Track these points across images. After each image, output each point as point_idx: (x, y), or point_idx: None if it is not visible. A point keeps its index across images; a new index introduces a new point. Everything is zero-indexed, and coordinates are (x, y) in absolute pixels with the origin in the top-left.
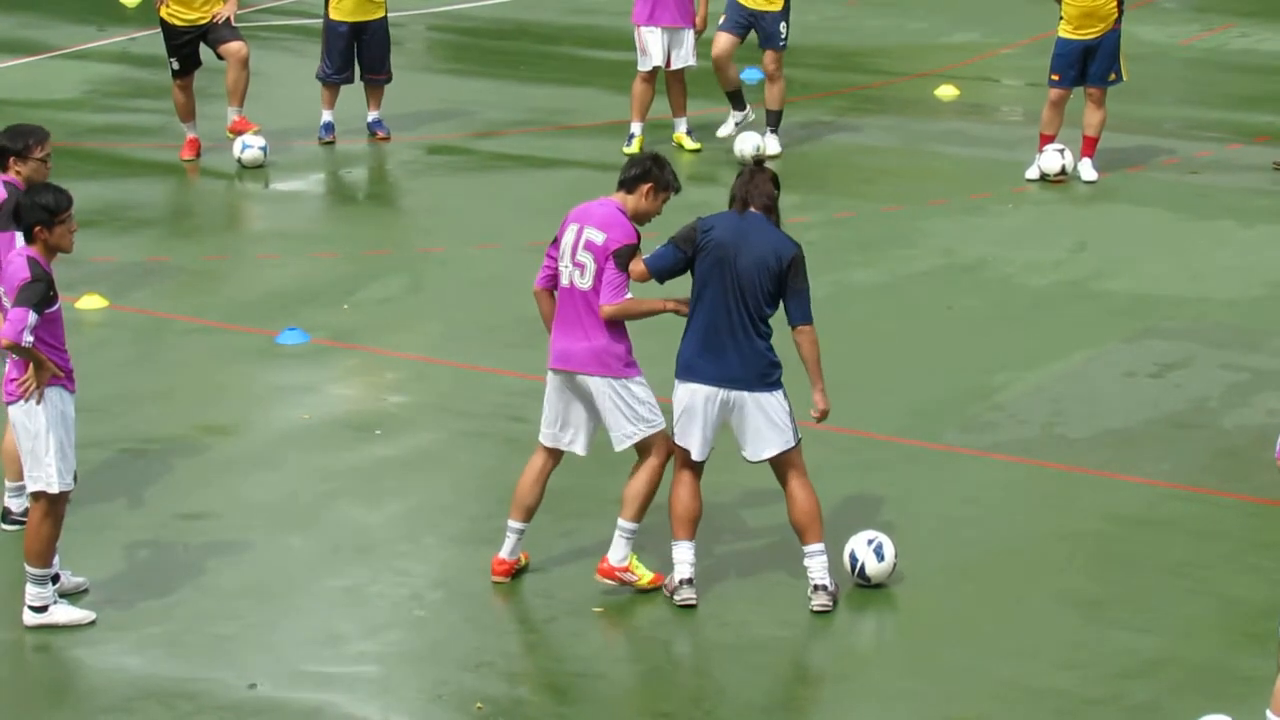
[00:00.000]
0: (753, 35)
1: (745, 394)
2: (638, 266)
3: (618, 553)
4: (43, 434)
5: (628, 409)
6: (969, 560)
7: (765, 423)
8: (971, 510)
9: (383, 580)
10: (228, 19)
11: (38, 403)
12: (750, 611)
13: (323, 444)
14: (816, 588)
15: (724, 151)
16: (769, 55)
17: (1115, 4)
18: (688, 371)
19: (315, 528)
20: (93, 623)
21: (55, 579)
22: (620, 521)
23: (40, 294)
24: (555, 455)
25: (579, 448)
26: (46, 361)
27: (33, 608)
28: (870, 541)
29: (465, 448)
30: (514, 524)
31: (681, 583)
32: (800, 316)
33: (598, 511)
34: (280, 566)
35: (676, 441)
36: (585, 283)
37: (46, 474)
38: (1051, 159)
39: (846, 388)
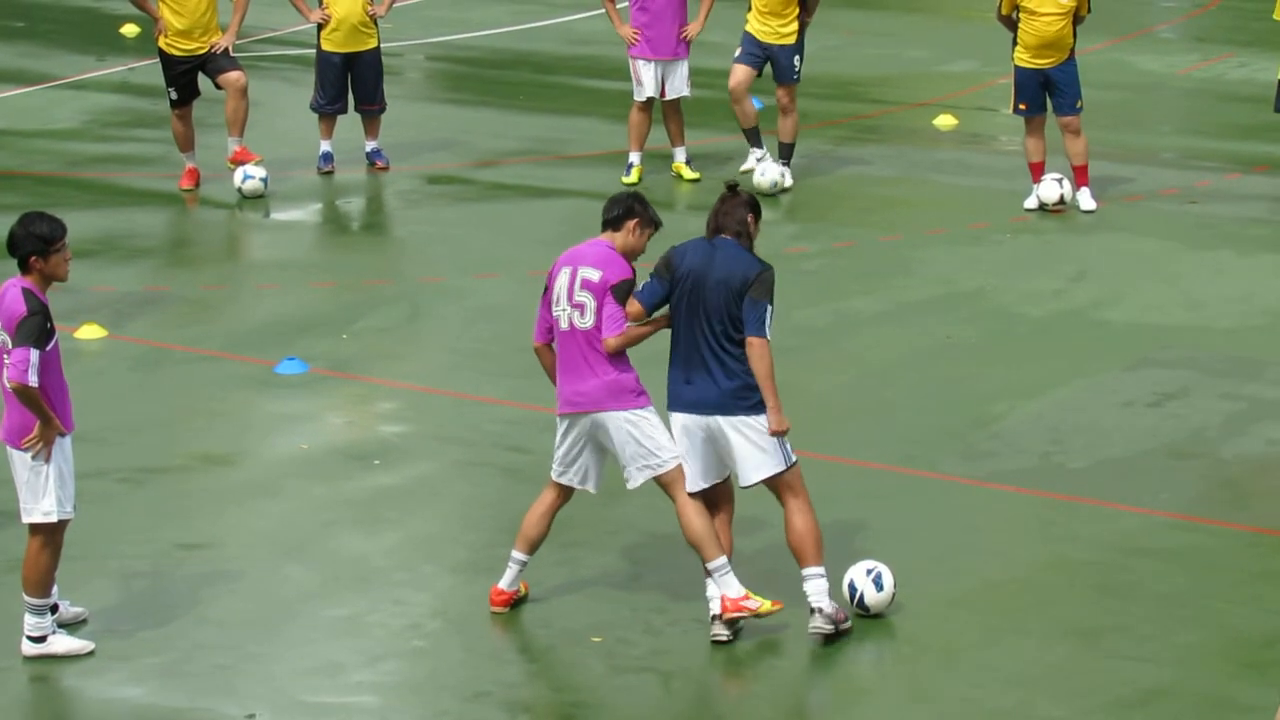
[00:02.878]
0: (768, 68)
1: (723, 419)
2: (634, 306)
3: (732, 588)
4: (42, 464)
5: (645, 439)
6: (968, 590)
7: (750, 447)
8: (970, 539)
9: (381, 610)
10: (226, 49)
11: (45, 460)
12: (749, 641)
13: (321, 473)
14: (814, 610)
15: (723, 181)
16: (781, 90)
17: (1072, 34)
18: (674, 401)
19: (314, 557)
20: (91, 653)
21: (54, 609)
22: (708, 566)
23: (39, 328)
24: (566, 492)
25: (591, 486)
26: (53, 418)
27: (31, 638)
28: (869, 571)
29: (464, 477)
30: (517, 555)
31: (714, 618)
32: (753, 328)
33: (597, 541)
34: (279, 596)
35: (686, 471)
36: (587, 322)
37: (47, 503)
38: (1050, 188)
39: (845, 417)
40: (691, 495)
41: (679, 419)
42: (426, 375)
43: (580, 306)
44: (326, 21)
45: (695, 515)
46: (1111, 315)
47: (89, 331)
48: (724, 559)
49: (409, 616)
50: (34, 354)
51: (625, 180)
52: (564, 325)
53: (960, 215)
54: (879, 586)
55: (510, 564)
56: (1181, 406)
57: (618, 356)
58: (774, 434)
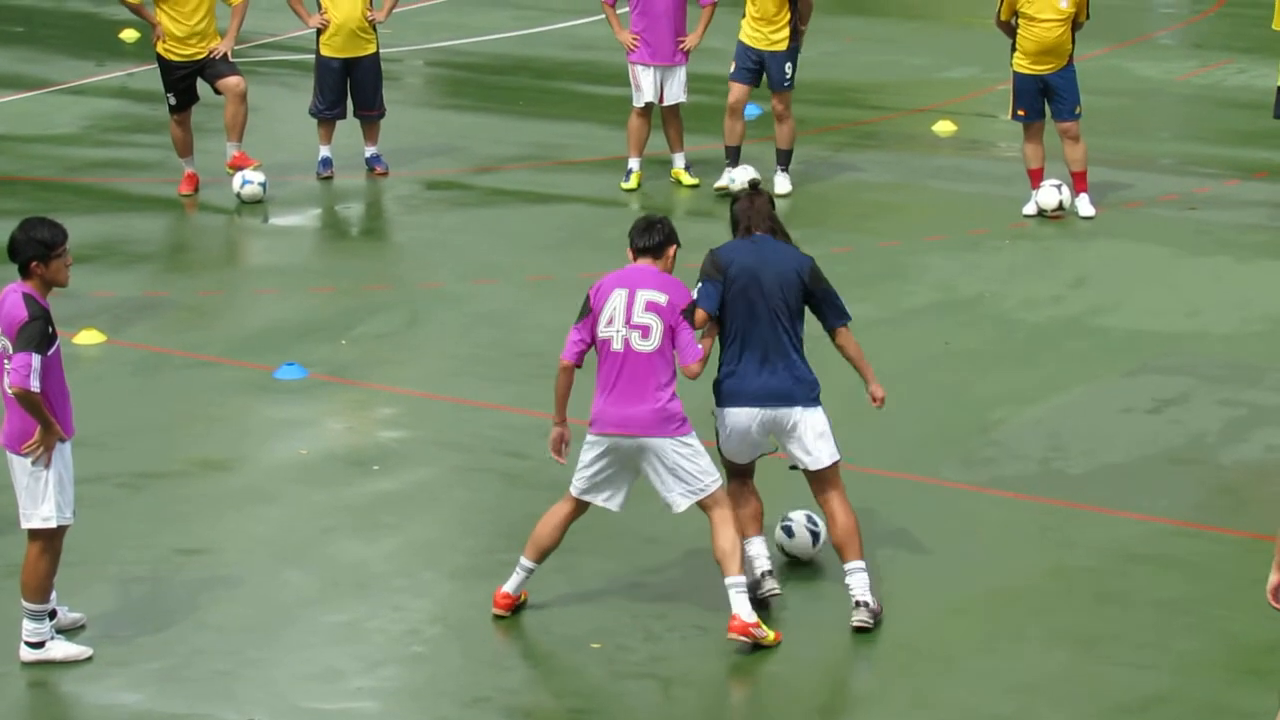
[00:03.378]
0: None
1: (797, 409)
2: (701, 314)
3: (745, 610)
4: (42, 470)
5: (694, 466)
6: (967, 596)
7: (816, 436)
8: (969, 546)
9: (380, 615)
10: (225, 54)
11: (46, 466)
12: (750, 648)
13: (321, 479)
14: (858, 604)
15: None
16: (775, 98)
17: (1071, 40)
18: (736, 396)
19: (313, 563)
20: (90, 658)
21: (52, 615)
22: (727, 581)
23: (40, 333)
24: (583, 507)
25: (615, 505)
26: (54, 424)
27: (29, 643)
28: (808, 518)
29: (463, 483)
30: (526, 562)
31: (763, 575)
32: (838, 317)
33: (596, 547)
34: (278, 601)
35: (727, 458)
36: (649, 345)
37: (46, 508)
38: (1049, 195)
39: (844, 422)
40: (742, 475)
41: (741, 413)
42: (425, 381)
43: (643, 329)
44: (325, 26)
45: (730, 532)
46: (1111, 321)
47: (88, 337)
48: (742, 578)
49: (408, 622)
50: (36, 359)
51: (624, 186)
52: (617, 346)
53: (959, 221)
54: (790, 534)
55: (518, 569)
56: (1181, 413)
57: (670, 383)
58: (882, 401)
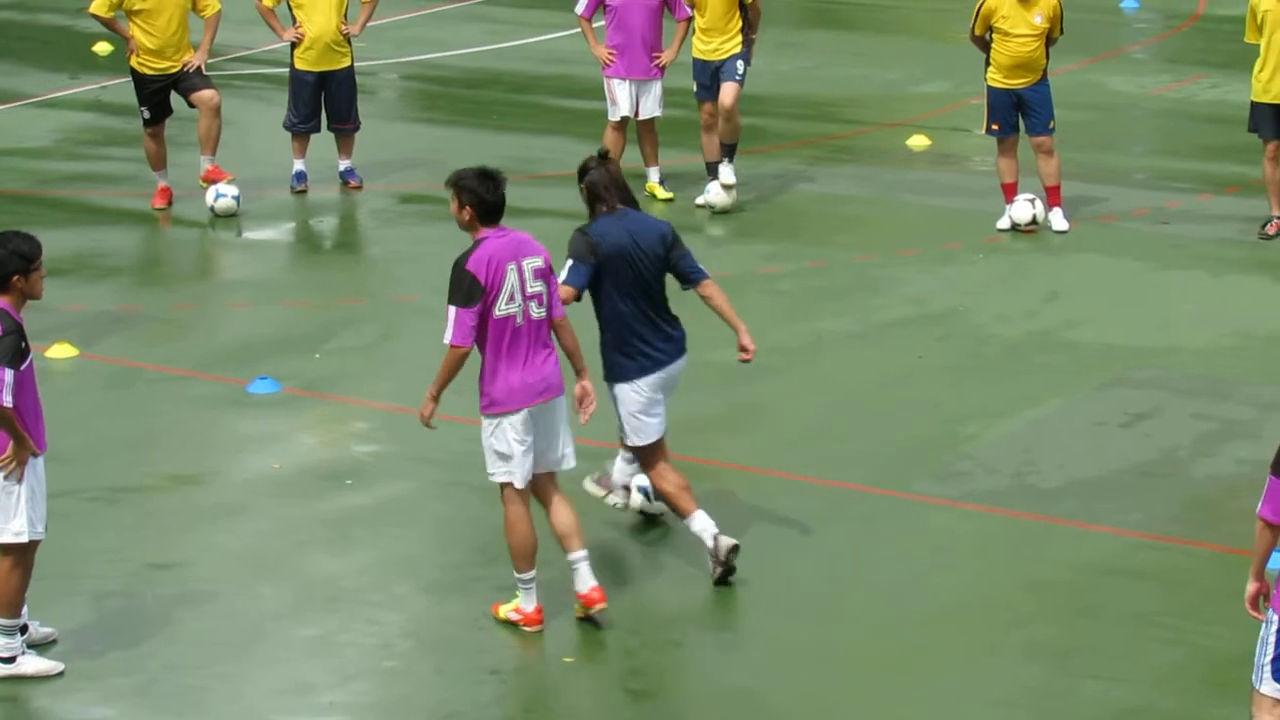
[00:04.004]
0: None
1: (684, 359)
2: (567, 291)
3: (589, 581)
4: (14, 484)
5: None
6: (939, 610)
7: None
8: (942, 559)
9: (353, 630)
10: (199, 67)
11: (18, 481)
12: (722, 660)
13: (293, 493)
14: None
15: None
16: (726, 88)
17: (1045, 55)
18: (646, 367)
19: (285, 577)
20: (61, 673)
21: (24, 629)
22: (572, 556)
23: (14, 347)
24: (529, 492)
25: (569, 461)
26: (27, 439)
27: (0, 658)
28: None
29: (436, 497)
30: (529, 574)
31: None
32: (699, 272)
33: (567, 561)
34: (250, 616)
35: (639, 442)
36: (543, 311)
37: (18, 523)
38: (1022, 209)
39: (817, 436)
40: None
41: (650, 380)
42: (399, 395)
43: (536, 297)
44: (300, 40)
45: (570, 510)
46: (1083, 336)
47: (60, 350)
48: (585, 551)
49: (381, 636)
50: (9, 374)
51: None
52: (519, 321)
53: (933, 235)
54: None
55: (528, 586)
56: (1153, 427)
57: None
58: (751, 354)
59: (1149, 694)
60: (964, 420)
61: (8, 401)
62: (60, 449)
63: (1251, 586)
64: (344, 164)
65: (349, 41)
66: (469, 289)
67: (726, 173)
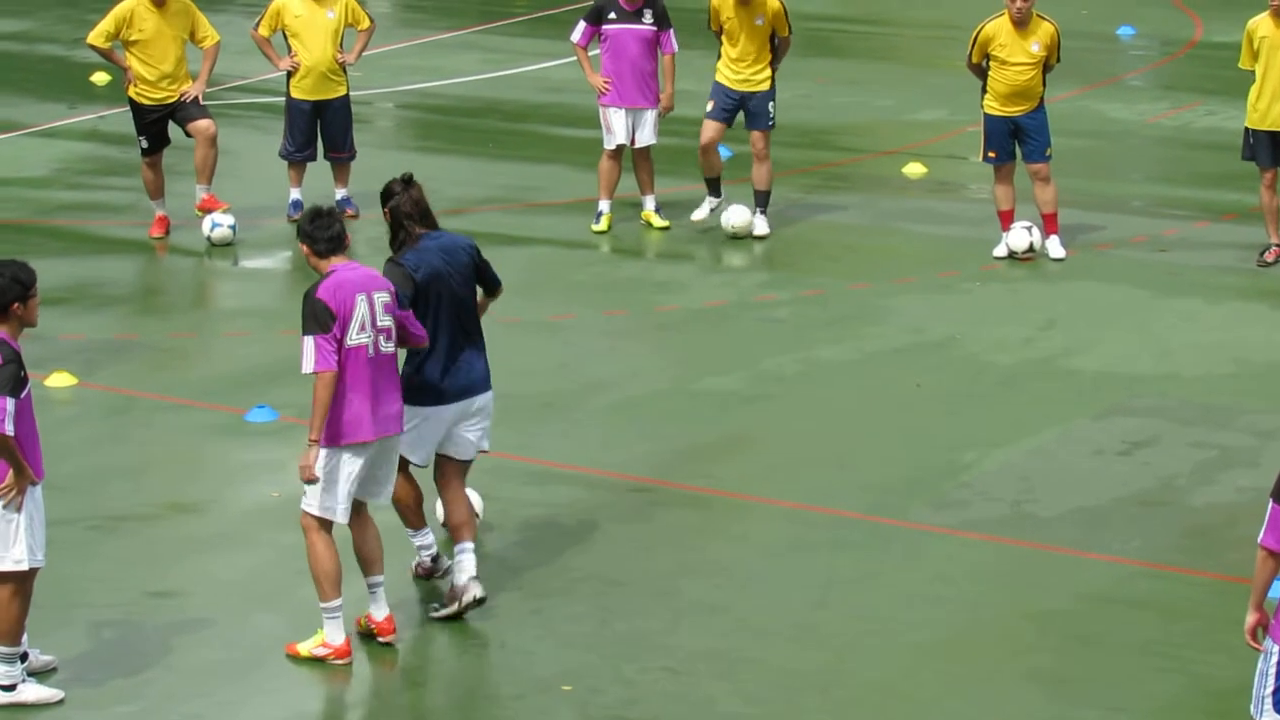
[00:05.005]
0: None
1: (489, 393)
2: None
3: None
4: (13, 513)
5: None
6: (938, 639)
7: (489, 419)
8: (940, 588)
9: (352, 658)
10: (196, 97)
11: (17, 510)
12: (720, 689)
13: (291, 522)
14: (474, 578)
15: (692, 229)
16: (756, 135)
17: (1041, 82)
18: (450, 393)
19: (284, 605)
20: (61, 701)
21: (24, 657)
22: (374, 579)
23: (14, 376)
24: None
25: (387, 496)
26: (26, 467)
27: (0, 686)
28: None
29: (434, 526)
30: (336, 602)
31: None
32: (497, 284)
33: (566, 590)
34: (249, 644)
35: (410, 457)
36: (393, 345)
37: (17, 551)
38: (1019, 237)
39: (814, 465)
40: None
41: (450, 409)
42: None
43: (386, 331)
44: (296, 69)
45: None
46: (1081, 364)
47: (59, 379)
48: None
49: (379, 666)
50: (10, 403)
51: (595, 228)
52: (370, 353)
53: (929, 263)
54: None
55: (329, 617)
56: (1151, 455)
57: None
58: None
59: None
60: (962, 448)
61: (9, 430)
62: (59, 477)
63: (1251, 617)
64: (340, 193)
65: (345, 70)
66: (320, 316)
67: (760, 224)
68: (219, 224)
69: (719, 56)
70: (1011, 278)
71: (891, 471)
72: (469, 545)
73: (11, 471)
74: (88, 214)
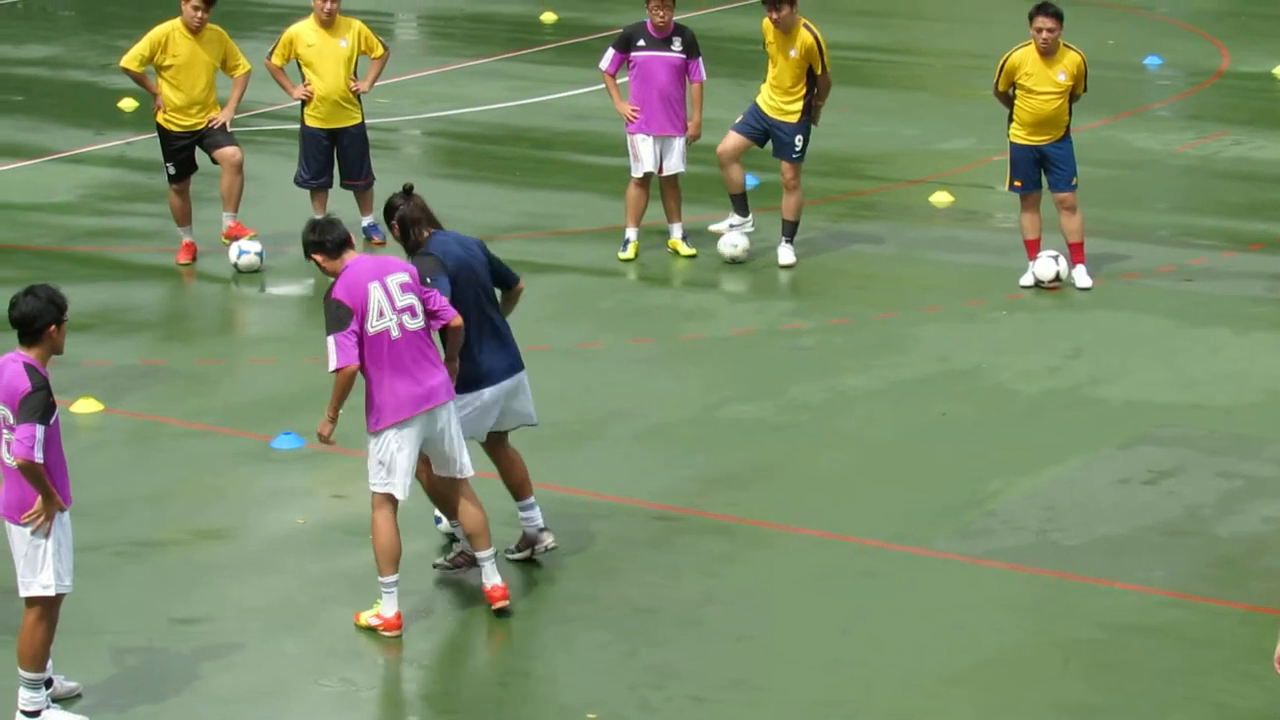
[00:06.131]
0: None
1: (524, 371)
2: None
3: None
4: (41, 539)
5: (460, 426)
6: (963, 667)
7: (529, 392)
8: (966, 617)
9: (377, 685)
10: (223, 124)
11: (46, 536)
12: (744, 716)
13: (317, 548)
14: (544, 529)
15: (719, 256)
16: (785, 165)
17: (1068, 111)
18: (492, 375)
19: (310, 632)
20: None
21: (48, 683)
22: (481, 555)
23: (43, 403)
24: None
25: (468, 470)
26: (55, 494)
27: (25, 712)
28: None
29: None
30: (393, 578)
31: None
32: (515, 277)
33: (591, 617)
34: (275, 671)
35: (475, 439)
36: (419, 321)
37: (45, 576)
38: (1046, 266)
39: (841, 493)
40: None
41: (495, 389)
42: None
43: (409, 309)
44: (309, 97)
45: (479, 509)
46: (1107, 393)
47: (85, 405)
48: (493, 550)
49: (404, 692)
50: (40, 430)
51: (621, 256)
52: (395, 334)
53: (956, 292)
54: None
55: (389, 590)
56: (1177, 484)
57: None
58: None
59: None
60: (987, 477)
61: (39, 457)
62: (85, 503)
63: None
64: (366, 220)
65: (359, 98)
66: (338, 314)
67: (786, 253)
68: (246, 250)
69: (764, 79)
70: (1038, 307)
71: (917, 500)
72: (532, 500)
73: (40, 498)
74: (114, 240)
